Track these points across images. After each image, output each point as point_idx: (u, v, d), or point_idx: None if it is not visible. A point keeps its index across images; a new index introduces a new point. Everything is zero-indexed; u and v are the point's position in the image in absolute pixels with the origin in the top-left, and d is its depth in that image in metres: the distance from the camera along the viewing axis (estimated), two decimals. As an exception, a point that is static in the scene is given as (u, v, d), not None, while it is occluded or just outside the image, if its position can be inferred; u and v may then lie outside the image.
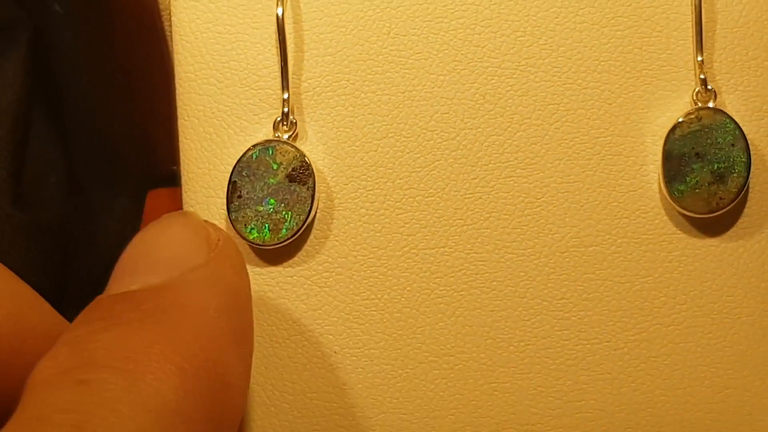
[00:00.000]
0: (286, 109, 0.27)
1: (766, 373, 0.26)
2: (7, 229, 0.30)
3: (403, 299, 0.26)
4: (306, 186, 0.26)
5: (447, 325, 0.26)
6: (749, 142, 0.26)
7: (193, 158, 0.27)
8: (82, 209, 0.33)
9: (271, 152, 0.26)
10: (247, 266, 0.25)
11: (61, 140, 0.33)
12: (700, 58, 0.26)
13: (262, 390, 0.26)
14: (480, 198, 0.27)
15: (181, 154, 0.27)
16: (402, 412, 0.26)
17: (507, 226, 0.26)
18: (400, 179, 0.27)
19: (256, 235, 0.26)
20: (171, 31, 0.27)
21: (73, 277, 0.33)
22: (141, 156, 0.32)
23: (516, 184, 0.26)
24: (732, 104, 0.27)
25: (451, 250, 0.26)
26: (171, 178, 0.29)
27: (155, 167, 0.30)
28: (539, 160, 0.26)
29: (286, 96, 0.26)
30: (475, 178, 0.26)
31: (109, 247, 0.33)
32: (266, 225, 0.26)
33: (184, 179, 0.27)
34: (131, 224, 0.32)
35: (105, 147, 0.32)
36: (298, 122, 0.27)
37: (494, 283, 0.26)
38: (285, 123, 0.27)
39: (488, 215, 0.26)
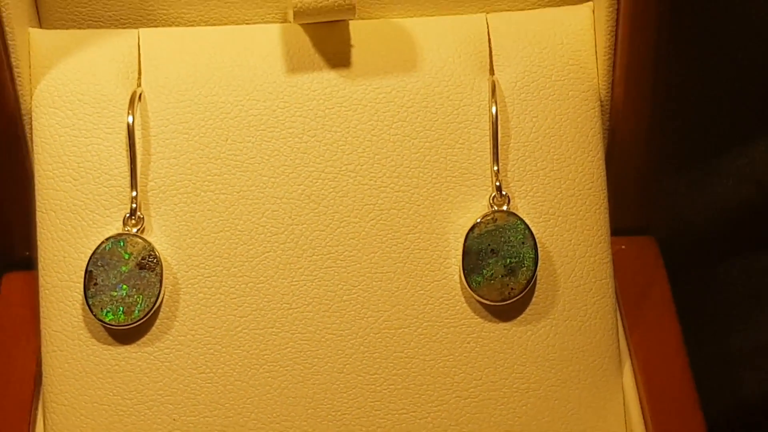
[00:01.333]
0: (134, 205, 0.30)
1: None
2: None
3: (235, 373, 0.30)
4: (154, 273, 0.30)
5: (273, 396, 0.30)
6: (537, 240, 0.30)
7: (50, 246, 0.30)
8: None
9: (122, 244, 0.30)
10: (102, 345, 0.29)
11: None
12: (496, 168, 0.31)
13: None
14: (305, 285, 0.30)
15: (39, 242, 0.30)
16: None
17: (328, 310, 0.30)
18: (235, 267, 0.30)
19: (111, 317, 0.30)
20: (32, 134, 0.30)
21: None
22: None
23: (336, 274, 0.30)
24: (523, 207, 0.31)
25: (279, 330, 0.30)
26: (26, 263, 0.32)
27: (11, 251, 0.33)
28: (357, 252, 0.30)
29: (134, 194, 0.30)
30: (301, 268, 0.30)
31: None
32: (120, 308, 0.30)
33: (40, 265, 0.30)
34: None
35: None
36: (145, 217, 0.30)
37: (315, 359, 0.30)
38: (133, 218, 0.30)
39: (312, 300, 0.30)
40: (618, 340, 0.32)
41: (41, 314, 0.30)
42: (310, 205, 0.30)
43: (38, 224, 0.30)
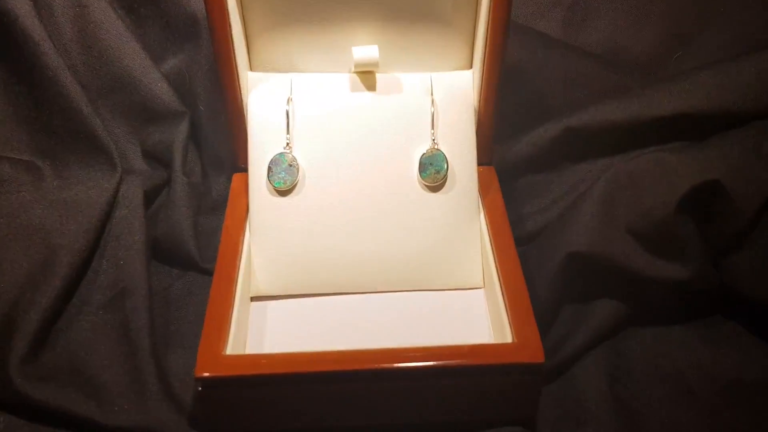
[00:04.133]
0: (287, 141, 0.74)
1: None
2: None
3: (334, 208, 0.74)
4: (295, 167, 0.74)
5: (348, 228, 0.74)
6: (447, 160, 0.75)
7: (254, 158, 0.74)
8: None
9: (282, 156, 0.74)
10: (274, 198, 0.73)
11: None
12: (432, 131, 0.76)
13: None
14: (357, 191, 0.75)
15: (249, 156, 0.74)
16: None
17: (369, 200, 0.75)
18: (329, 171, 0.74)
19: (280, 184, 0.74)
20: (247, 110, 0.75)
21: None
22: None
23: (372, 180, 0.75)
24: (442, 147, 0.75)
25: (347, 205, 0.74)
26: (242, 169, 0.76)
27: (236, 163, 0.77)
28: (377, 170, 0.75)
29: (287, 136, 0.74)
30: (359, 184, 0.75)
31: None
32: (282, 181, 0.74)
33: (250, 168, 0.74)
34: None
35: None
36: (291, 145, 0.74)
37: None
38: (287, 146, 0.74)
39: (361, 198, 0.75)
40: (478, 207, 0.76)
41: (249, 188, 0.73)
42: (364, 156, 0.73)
43: (249, 148, 0.74)
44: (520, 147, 0.81)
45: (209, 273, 0.76)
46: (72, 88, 0.79)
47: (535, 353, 0.60)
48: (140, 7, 0.86)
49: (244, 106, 0.74)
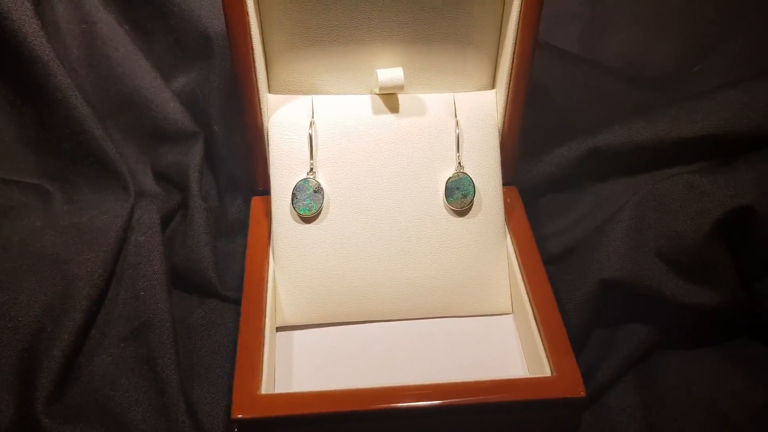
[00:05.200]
0: (311, 166, 0.73)
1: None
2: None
3: (362, 237, 0.72)
4: (321, 194, 0.72)
5: (378, 252, 0.73)
6: (475, 185, 0.73)
7: (276, 183, 0.72)
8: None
9: (306, 182, 0.72)
10: (299, 225, 0.71)
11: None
12: (458, 154, 0.74)
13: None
14: (385, 215, 0.73)
15: (272, 180, 0.72)
16: None
17: (398, 217, 0.73)
18: (355, 197, 0.73)
19: (305, 211, 0.72)
20: (269, 133, 0.73)
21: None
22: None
23: (402, 201, 0.73)
24: (469, 171, 0.74)
25: (376, 227, 0.73)
26: (263, 191, 0.74)
27: (255, 186, 0.75)
28: (405, 189, 0.73)
29: (312, 161, 0.72)
30: (384, 204, 0.73)
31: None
32: (307, 209, 0.72)
33: (273, 192, 0.72)
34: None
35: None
36: (315, 171, 0.73)
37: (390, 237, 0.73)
38: (311, 172, 0.72)
39: (388, 223, 0.73)
40: (504, 230, 0.74)
41: (272, 215, 0.72)
42: (390, 180, 0.72)
43: (271, 173, 0.72)
44: (543, 166, 0.80)
45: (230, 300, 0.74)
46: (83, 110, 0.77)
47: (575, 387, 0.60)
48: (148, 22, 0.83)
49: (265, 130, 0.72)
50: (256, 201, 0.75)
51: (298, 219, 0.70)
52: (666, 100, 0.79)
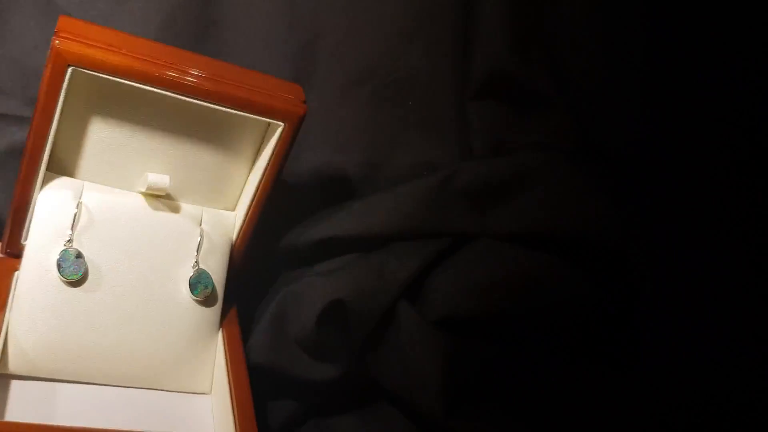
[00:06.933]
0: (71, 237, 0.84)
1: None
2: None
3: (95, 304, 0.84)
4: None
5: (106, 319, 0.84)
6: (212, 278, 0.89)
7: (31, 251, 0.82)
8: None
9: (67, 251, 0.83)
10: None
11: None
12: (197, 253, 0.90)
13: None
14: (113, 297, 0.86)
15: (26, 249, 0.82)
16: None
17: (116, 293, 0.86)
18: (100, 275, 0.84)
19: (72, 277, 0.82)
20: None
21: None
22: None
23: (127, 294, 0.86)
24: (204, 266, 0.90)
25: (105, 307, 0.85)
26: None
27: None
28: (138, 292, 0.86)
29: (70, 232, 0.83)
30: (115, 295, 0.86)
31: None
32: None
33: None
34: None
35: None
36: (74, 241, 0.84)
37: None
38: (70, 242, 0.83)
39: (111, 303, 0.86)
40: (219, 317, 0.89)
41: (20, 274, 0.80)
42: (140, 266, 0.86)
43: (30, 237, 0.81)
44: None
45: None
46: None
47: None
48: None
49: (33, 201, 0.78)
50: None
51: (58, 281, 0.77)
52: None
